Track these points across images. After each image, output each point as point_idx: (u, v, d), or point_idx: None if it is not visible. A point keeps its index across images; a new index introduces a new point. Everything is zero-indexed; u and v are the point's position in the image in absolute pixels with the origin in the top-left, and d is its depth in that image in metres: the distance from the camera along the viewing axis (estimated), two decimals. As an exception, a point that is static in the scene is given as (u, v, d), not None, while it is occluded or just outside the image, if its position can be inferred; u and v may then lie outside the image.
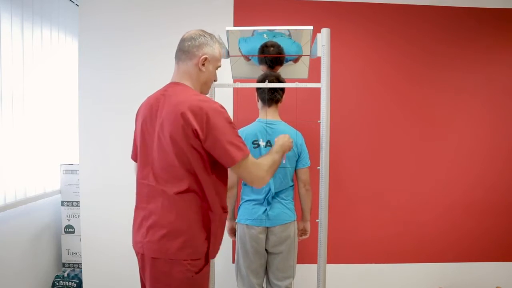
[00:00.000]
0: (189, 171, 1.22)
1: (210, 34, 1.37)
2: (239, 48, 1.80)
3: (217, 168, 1.28)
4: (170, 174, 1.23)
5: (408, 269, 2.47)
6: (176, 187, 1.22)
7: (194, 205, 1.24)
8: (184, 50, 1.33)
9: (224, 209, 1.33)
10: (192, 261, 1.23)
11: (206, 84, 1.38)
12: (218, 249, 1.36)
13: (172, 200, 1.23)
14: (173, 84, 1.33)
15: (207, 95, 1.39)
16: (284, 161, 1.86)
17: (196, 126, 1.19)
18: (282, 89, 1.93)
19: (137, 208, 1.33)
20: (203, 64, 1.33)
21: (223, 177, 1.33)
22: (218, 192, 1.29)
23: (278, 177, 1.89)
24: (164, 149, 1.24)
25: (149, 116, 1.31)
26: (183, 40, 1.35)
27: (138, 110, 1.41)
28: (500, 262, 2.50)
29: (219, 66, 1.41)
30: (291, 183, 1.96)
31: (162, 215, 1.24)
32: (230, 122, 1.24)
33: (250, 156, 1.27)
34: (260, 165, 1.30)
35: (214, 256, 1.33)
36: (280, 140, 1.49)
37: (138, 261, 1.31)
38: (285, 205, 1.92)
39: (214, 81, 1.43)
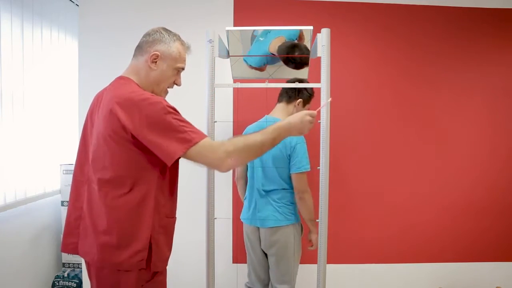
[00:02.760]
0: (120, 173, 1.13)
1: (169, 32, 1.27)
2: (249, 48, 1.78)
3: (154, 170, 1.16)
4: (101, 175, 1.15)
5: (408, 269, 2.47)
6: (110, 188, 1.14)
7: (130, 209, 1.15)
8: (138, 45, 1.27)
9: (168, 215, 1.24)
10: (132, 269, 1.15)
11: (158, 85, 1.26)
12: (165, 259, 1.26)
13: (106, 203, 1.15)
14: (117, 79, 1.25)
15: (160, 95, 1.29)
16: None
17: (125, 121, 1.09)
18: (294, 90, 1.89)
19: (74, 207, 1.25)
20: (154, 62, 1.23)
21: (169, 181, 1.22)
22: (158, 197, 1.18)
23: (263, 175, 1.85)
24: (98, 148, 1.16)
25: (90, 112, 1.25)
26: (142, 36, 1.28)
27: None
28: (499, 262, 2.50)
29: (181, 68, 1.30)
30: (286, 186, 1.86)
31: (96, 218, 1.16)
32: (168, 112, 1.10)
33: (204, 140, 1.11)
34: (218, 147, 1.13)
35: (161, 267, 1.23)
36: (292, 118, 1.30)
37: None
38: (276, 208, 1.84)
39: (176, 84, 1.32)
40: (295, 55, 1.66)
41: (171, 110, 1.12)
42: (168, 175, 1.22)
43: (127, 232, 1.14)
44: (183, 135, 1.10)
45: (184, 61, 1.31)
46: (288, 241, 1.84)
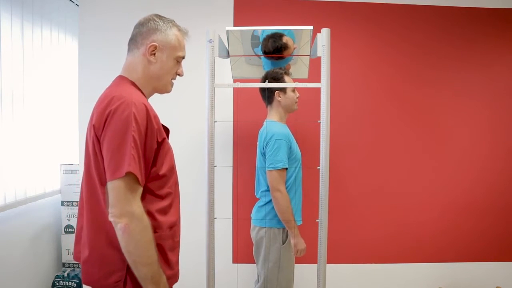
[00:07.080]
0: (94, 182, 1.03)
1: (163, 19, 1.16)
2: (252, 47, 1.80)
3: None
4: (88, 182, 1.06)
5: (408, 269, 2.47)
6: (91, 196, 1.05)
7: (100, 225, 1.03)
8: (132, 38, 1.14)
9: (154, 231, 1.05)
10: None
11: (159, 79, 1.14)
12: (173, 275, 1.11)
13: (93, 212, 1.05)
14: (116, 78, 1.16)
15: (166, 92, 1.20)
16: None
17: (95, 121, 1.00)
18: (272, 90, 1.85)
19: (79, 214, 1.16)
20: (153, 54, 1.11)
21: (155, 188, 1.07)
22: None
23: (261, 174, 1.86)
24: (87, 152, 1.08)
25: (91, 116, 1.15)
26: (134, 28, 1.16)
27: None
28: (499, 262, 2.50)
29: (181, 57, 1.18)
30: (266, 186, 1.82)
31: (86, 232, 1.06)
32: (133, 131, 0.96)
33: (132, 182, 0.97)
34: (135, 205, 0.96)
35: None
36: (165, 286, 1.06)
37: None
38: (269, 209, 1.80)
39: (179, 75, 1.20)
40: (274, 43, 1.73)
41: (135, 130, 0.98)
42: (143, 188, 1.04)
43: (99, 250, 1.03)
44: (122, 163, 0.96)
45: (183, 48, 1.19)
46: (259, 243, 1.80)
